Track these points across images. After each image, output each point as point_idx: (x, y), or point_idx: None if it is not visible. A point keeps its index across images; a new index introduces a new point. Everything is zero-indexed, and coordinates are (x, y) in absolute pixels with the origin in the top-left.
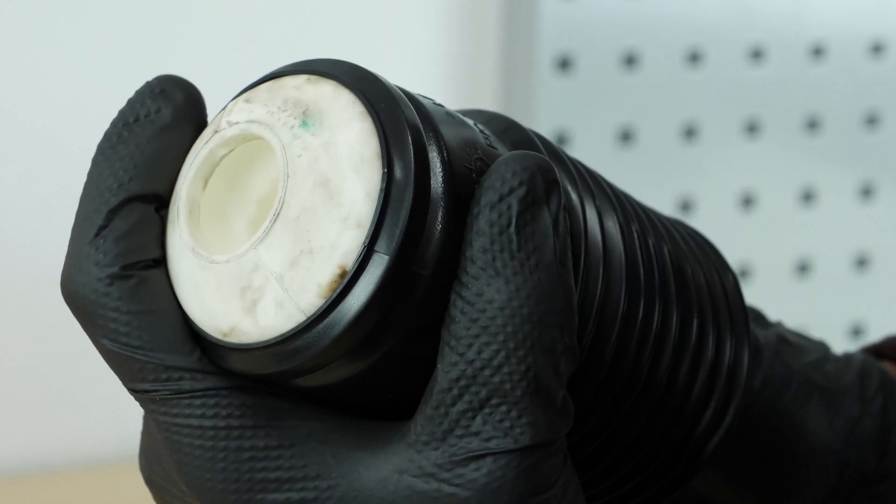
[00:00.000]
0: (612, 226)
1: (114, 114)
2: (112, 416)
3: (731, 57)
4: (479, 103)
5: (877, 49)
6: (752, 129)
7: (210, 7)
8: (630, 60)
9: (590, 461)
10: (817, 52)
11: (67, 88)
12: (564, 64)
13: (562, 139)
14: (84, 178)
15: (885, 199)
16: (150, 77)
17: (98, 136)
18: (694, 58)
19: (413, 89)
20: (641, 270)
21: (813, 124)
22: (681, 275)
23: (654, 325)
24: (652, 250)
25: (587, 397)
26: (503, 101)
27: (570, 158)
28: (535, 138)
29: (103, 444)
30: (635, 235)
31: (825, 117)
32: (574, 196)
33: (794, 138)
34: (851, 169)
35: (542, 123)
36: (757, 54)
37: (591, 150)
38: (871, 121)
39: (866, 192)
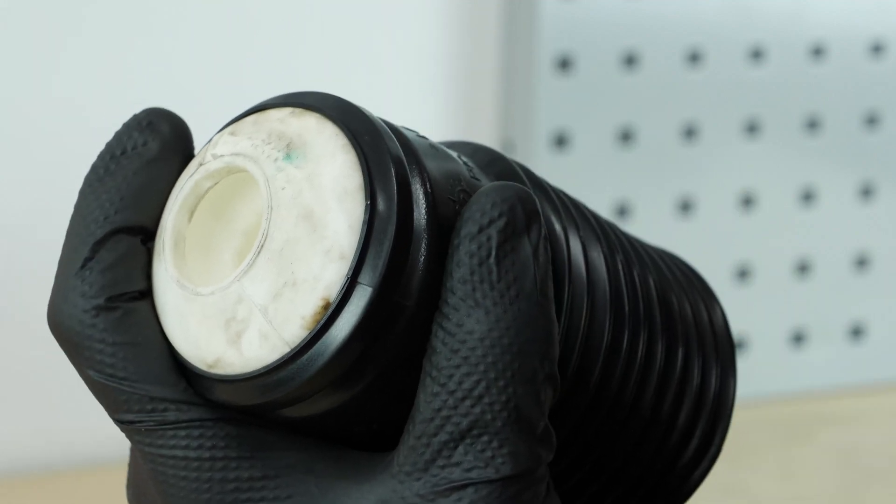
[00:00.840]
0: (597, 256)
1: (116, 117)
2: None
3: (731, 57)
4: (479, 103)
5: (877, 49)
6: (752, 129)
7: (209, 6)
8: (630, 60)
9: (575, 490)
10: (817, 52)
11: (70, 92)
12: (564, 64)
13: (562, 139)
14: (84, 179)
15: (885, 199)
16: (148, 82)
17: (100, 138)
18: (694, 58)
19: (413, 90)
20: (626, 300)
21: (813, 124)
22: (666, 305)
23: (639, 355)
24: (637, 280)
25: (571, 426)
26: (503, 101)
27: (554, 189)
28: (520, 170)
29: (103, 444)
30: (620, 265)
31: (825, 117)
32: (558, 226)
33: (794, 138)
34: (851, 169)
35: (542, 123)
36: (757, 54)
37: (591, 150)
38: (871, 121)
39: (866, 192)
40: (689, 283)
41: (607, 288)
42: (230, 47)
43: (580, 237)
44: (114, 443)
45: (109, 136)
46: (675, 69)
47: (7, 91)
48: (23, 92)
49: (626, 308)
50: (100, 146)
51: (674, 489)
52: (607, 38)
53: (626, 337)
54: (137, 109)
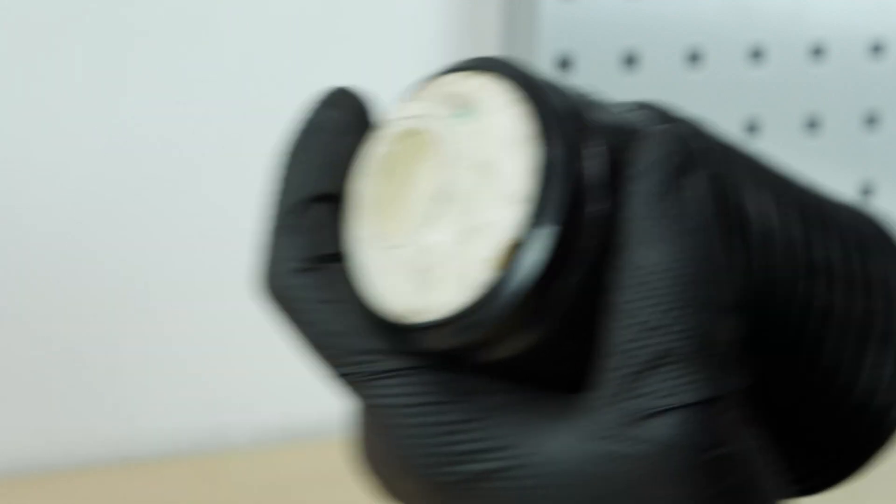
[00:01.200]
0: (776, 206)
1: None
2: (112, 416)
3: (731, 57)
4: None
5: (877, 49)
6: (752, 129)
7: (207, 8)
8: (630, 60)
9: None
10: (817, 52)
11: (71, 90)
12: (564, 64)
13: None
14: (83, 177)
15: (885, 199)
16: (147, 82)
17: (98, 137)
18: (694, 58)
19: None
20: (807, 248)
21: (813, 124)
22: (846, 253)
23: (820, 300)
24: (816, 233)
25: (761, 368)
26: None
27: (737, 145)
28: (694, 124)
29: (103, 445)
30: (804, 218)
31: (825, 117)
32: (739, 175)
33: (794, 138)
34: (851, 169)
35: None
36: (757, 54)
37: None
38: (871, 121)
39: (866, 192)
40: (874, 241)
41: (787, 238)
42: (228, 47)
43: (757, 187)
44: (114, 443)
45: (109, 133)
46: (674, 69)
47: (4, 90)
48: (22, 89)
49: (808, 256)
50: (97, 144)
51: (867, 435)
52: (607, 38)
53: (808, 281)
54: (131, 107)
